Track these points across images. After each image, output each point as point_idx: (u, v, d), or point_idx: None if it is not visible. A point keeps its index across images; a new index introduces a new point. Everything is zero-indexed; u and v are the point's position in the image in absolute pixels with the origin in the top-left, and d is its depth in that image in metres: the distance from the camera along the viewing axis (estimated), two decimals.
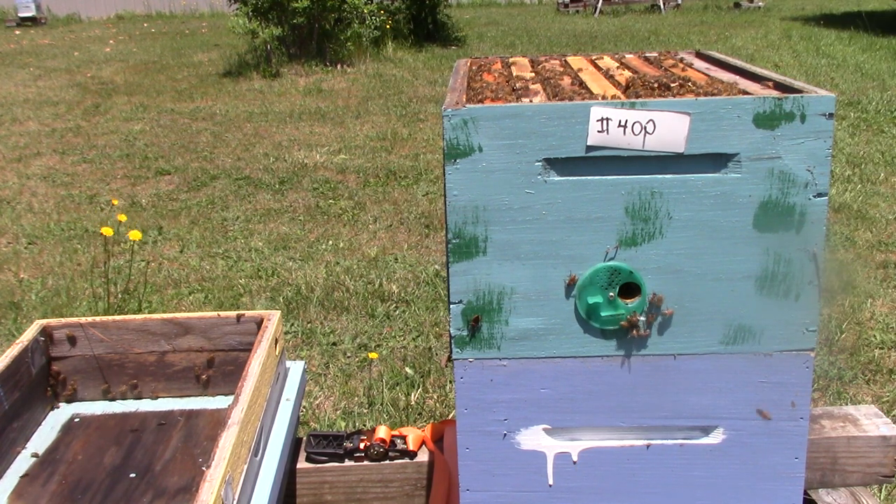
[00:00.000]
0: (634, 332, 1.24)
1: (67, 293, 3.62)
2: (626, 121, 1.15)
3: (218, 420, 1.67)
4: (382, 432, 1.67)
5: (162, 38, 14.57)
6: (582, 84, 1.36)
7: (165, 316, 1.75)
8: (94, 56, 12.08)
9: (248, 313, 1.74)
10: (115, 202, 4.20)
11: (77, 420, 1.70)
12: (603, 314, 1.22)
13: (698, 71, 1.46)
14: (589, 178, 1.18)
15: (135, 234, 3.22)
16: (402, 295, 3.51)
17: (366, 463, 1.65)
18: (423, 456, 1.67)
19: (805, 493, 1.54)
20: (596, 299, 1.22)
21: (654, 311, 1.24)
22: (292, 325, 3.27)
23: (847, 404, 2.45)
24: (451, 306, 1.24)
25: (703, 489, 1.33)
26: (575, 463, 1.32)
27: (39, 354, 1.70)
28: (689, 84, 1.26)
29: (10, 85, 9.61)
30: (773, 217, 1.19)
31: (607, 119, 1.15)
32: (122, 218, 3.52)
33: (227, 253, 4.15)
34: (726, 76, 1.39)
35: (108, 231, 3.18)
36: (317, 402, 2.71)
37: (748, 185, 1.18)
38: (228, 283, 3.74)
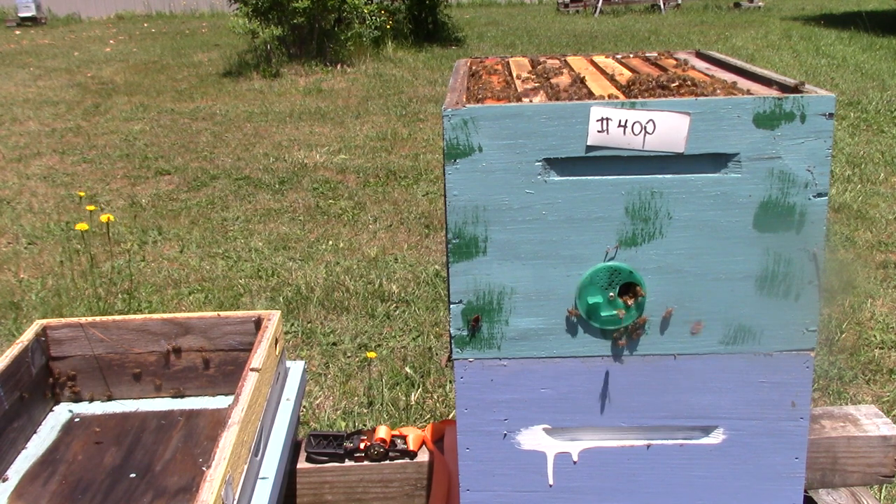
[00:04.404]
0: (624, 340, 1.25)
1: (67, 293, 3.62)
2: (626, 121, 1.15)
3: (218, 420, 1.67)
4: (382, 432, 1.67)
5: (162, 38, 14.58)
6: (582, 84, 1.36)
7: (165, 316, 1.75)
8: (94, 56, 12.08)
9: (248, 313, 1.74)
10: (82, 194, 4.23)
11: (77, 420, 1.70)
12: (603, 314, 1.22)
13: (698, 71, 1.46)
14: (589, 178, 1.18)
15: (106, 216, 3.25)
16: (402, 295, 3.51)
17: (366, 463, 1.65)
18: (423, 456, 1.67)
19: (805, 492, 1.54)
20: (596, 299, 1.22)
21: (639, 329, 1.24)
22: (292, 325, 3.27)
23: (847, 404, 2.45)
24: (451, 306, 1.24)
25: (704, 489, 1.33)
26: (575, 463, 1.32)
27: (39, 354, 1.70)
28: (689, 84, 1.26)
29: (10, 85, 9.61)
30: (773, 217, 1.19)
31: (607, 119, 1.15)
32: (91, 208, 3.53)
33: (227, 253, 4.15)
34: (726, 76, 1.39)
35: (83, 226, 3.19)
36: (317, 402, 2.71)
37: (748, 185, 1.17)
38: (228, 283, 3.74)
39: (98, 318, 1.75)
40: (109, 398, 1.77)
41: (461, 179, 1.18)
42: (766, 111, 1.14)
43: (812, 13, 14.57)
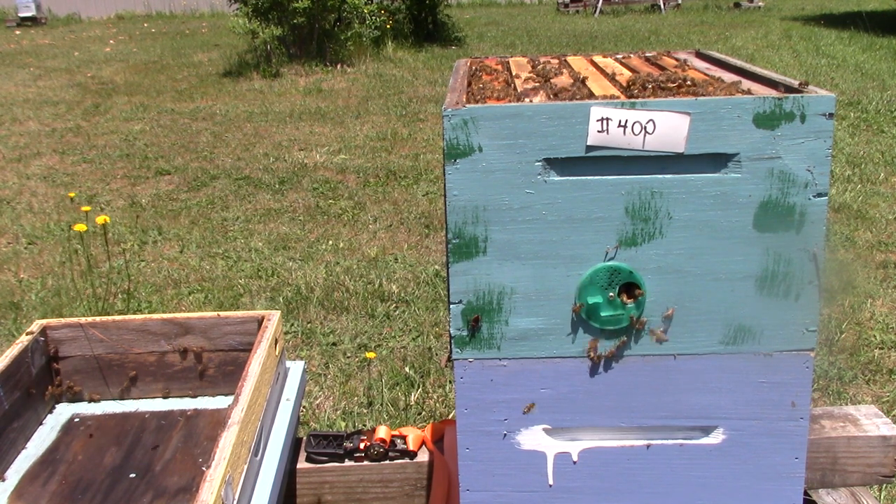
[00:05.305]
0: (624, 340, 1.25)
1: (67, 293, 3.62)
2: (626, 121, 1.15)
3: (218, 420, 1.67)
4: (382, 432, 1.68)
5: (162, 38, 14.57)
6: (582, 84, 1.36)
7: (165, 316, 1.75)
8: (94, 56, 12.08)
9: (248, 313, 1.74)
10: (72, 195, 4.24)
11: (77, 420, 1.70)
12: (603, 314, 1.22)
13: (698, 71, 1.46)
14: (589, 178, 1.18)
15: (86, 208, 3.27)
16: (402, 295, 3.51)
17: (366, 463, 1.65)
18: (423, 456, 1.67)
19: (805, 493, 1.54)
20: (596, 299, 1.22)
21: (637, 335, 1.24)
22: (292, 325, 3.27)
23: (847, 404, 2.45)
24: (451, 306, 1.24)
25: (704, 489, 1.33)
26: (575, 463, 1.32)
27: (39, 354, 1.70)
28: (689, 84, 1.26)
29: (10, 85, 9.61)
30: (773, 217, 1.19)
31: (607, 119, 1.15)
32: (86, 209, 3.55)
33: (227, 253, 4.15)
34: (726, 76, 1.39)
35: (81, 227, 3.19)
36: (317, 402, 2.71)
37: (748, 185, 1.17)
38: (228, 283, 3.74)
39: (98, 318, 1.75)
40: (109, 398, 1.77)
41: (461, 179, 1.18)
42: (766, 111, 1.14)
43: (812, 13, 14.57)
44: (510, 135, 1.16)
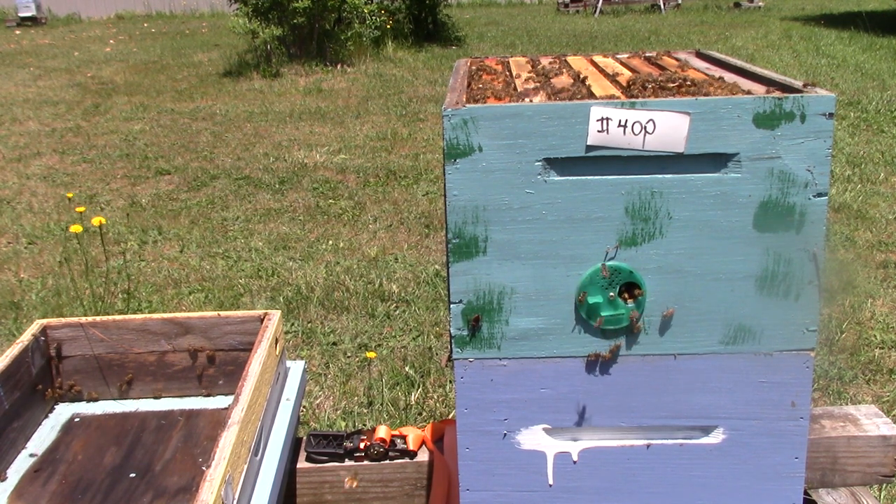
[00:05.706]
0: (624, 340, 1.24)
1: (67, 293, 3.62)
2: (626, 121, 1.15)
3: (218, 420, 1.67)
4: (382, 432, 1.68)
5: (162, 38, 14.57)
6: (583, 84, 1.36)
7: (165, 316, 1.75)
8: (94, 56, 12.08)
9: (249, 313, 1.74)
10: (70, 195, 4.25)
11: (77, 420, 1.70)
12: (603, 314, 1.22)
13: (698, 71, 1.46)
14: (589, 177, 1.18)
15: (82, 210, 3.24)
16: (402, 295, 3.51)
17: (366, 463, 1.65)
18: (423, 456, 1.67)
19: (805, 492, 1.54)
20: (596, 299, 1.22)
21: (637, 335, 1.24)
22: (292, 325, 3.27)
23: (847, 404, 2.45)
24: (451, 306, 1.24)
25: (704, 489, 1.33)
26: (575, 463, 1.32)
27: (39, 354, 1.70)
28: (689, 84, 1.26)
29: (10, 85, 9.61)
30: (773, 217, 1.19)
31: (607, 119, 1.15)
32: (81, 209, 3.55)
33: (227, 253, 4.15)
34: (726, 76, 1.39)
35: (76, 228, 3.19)
36: (317, 402, 2.71)
37: (748, 185, 1.18)
38: (228, 282, 3.74)
39: (98, 318, 1.75)
40: (110, 398, 1.77)
41: (461, 179, 1.18)
42: (766, 111, 1.14)
43: (812, 13, 14.58)
44: (510, 135, 1.16)
